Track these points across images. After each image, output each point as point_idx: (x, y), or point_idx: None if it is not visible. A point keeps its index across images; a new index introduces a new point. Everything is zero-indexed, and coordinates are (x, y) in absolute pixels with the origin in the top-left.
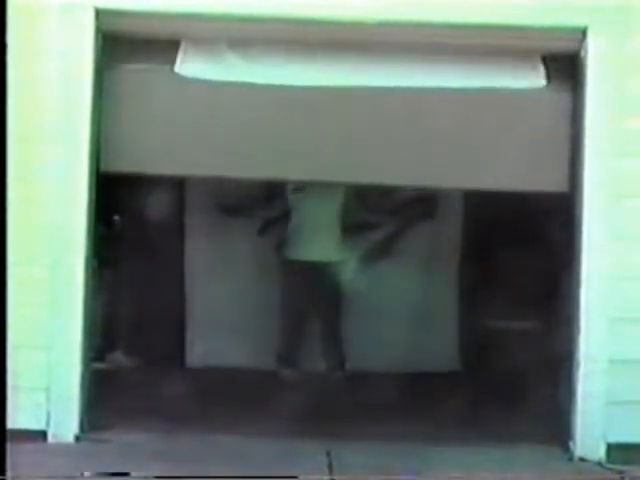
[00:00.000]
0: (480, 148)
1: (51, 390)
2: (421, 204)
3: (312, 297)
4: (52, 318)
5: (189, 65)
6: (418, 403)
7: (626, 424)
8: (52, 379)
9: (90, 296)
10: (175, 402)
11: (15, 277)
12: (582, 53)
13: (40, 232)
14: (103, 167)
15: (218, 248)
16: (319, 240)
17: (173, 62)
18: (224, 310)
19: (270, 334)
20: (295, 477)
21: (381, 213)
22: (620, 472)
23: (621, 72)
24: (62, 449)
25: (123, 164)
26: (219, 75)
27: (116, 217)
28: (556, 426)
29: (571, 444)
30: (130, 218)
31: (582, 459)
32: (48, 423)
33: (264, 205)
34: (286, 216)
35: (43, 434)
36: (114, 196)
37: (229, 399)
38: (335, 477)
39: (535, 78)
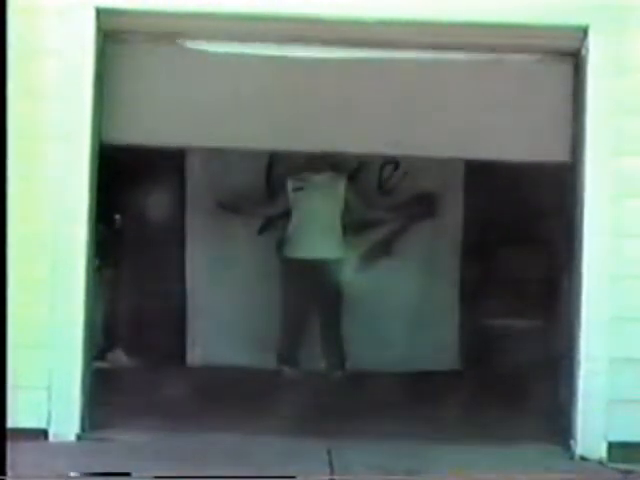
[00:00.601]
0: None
1: (52, 389)
2: (421, 202)
3: (312, 296)
4: (53, 317)
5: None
6: (418, 402)
7: (627, 423)
8: (53, 378)
9: (91, 295)
10: (176, 401)
11: (15, 277)
12: (583, 52)
13: (40, 231)
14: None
15: (218, 247)
16: (320, 238)
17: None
18: (225, 309)
19: (271, 333)
20: (295, 477)
21: (382, 211)
22: (629, 472)
23: (622, 71)
24: (63, 448)
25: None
26: (220, 48)
27: (117, 216)
28: (557, 425)
29: (572, 443)
30: (130, 218)
31: (583, 458)
32: (49, 422)
33: (265, 203)
34: (287, 215)
35: (44, 433)
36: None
37: (230, 398)
38: (336, 477)
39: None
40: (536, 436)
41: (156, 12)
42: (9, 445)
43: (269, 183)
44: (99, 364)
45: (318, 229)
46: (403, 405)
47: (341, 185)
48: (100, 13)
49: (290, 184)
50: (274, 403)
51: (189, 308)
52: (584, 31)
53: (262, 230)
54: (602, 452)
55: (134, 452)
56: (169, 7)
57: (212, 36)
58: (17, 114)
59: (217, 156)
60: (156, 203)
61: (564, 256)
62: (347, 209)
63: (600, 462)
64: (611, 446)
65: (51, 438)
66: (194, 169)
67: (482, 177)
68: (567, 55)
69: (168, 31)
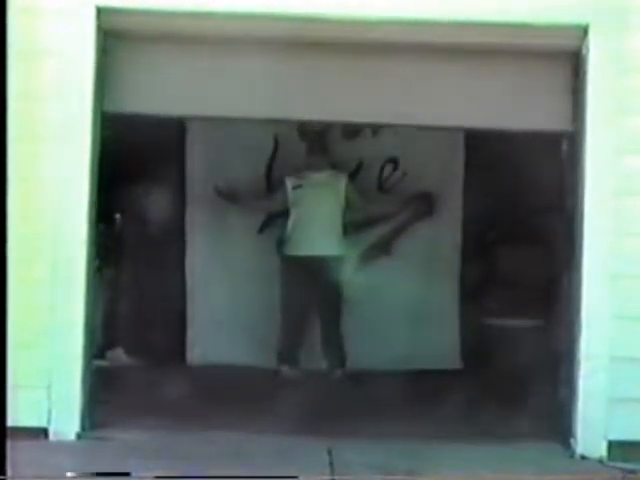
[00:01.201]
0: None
1: (52, 388)
2: (421, 200)
3: (312, 294)
4: (53, 317)
5: None
6: (419, 401)
7: (627, 422)
8: (53, 377)
9: (91, 295)
10: (176, 400)
11: (15, 277)
12: (583, 51)
13: (40, 231)
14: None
15: (219, 246)
16: (320, 236)
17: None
18: (225, 308)
19: (271, 332)
20: (295, 477)
21: (382, 209)
22: (632, 472)
23: (622, 70)
24: (63, 447)
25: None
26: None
27: (117, 215)
28: (557, 424)
29: (572, 442)
30: (130, 217)
31: (583, 457)
32: (49, 421)
33: (263, 197)
34: (286, 213)
35: (44, 432)
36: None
37: (230, 397)
38: (336, 476)
39: None
40: (536, 435)
41: (157, 11)
42: (9, 444)
43: (269, 178)
44: (99, 363)
45: (318, 227)
46: (403, 404)
47: (341, 183)
48: (101, 12)
49: (290, 182)
50: (274, 402)
51: (189, 307)
52: (584, 30)
53: (262, 229)
54: (602, 451)
55: (134, 451)
56: (170, 6)
57: (212, 36)
58: (17, 114)
59: (217, 156)
60: (156, 202)
61: (564, 255)
62: (347, 207)
63: (600, 461)
64: (611, 445)
65: (51, 437)
66: (194, 169)
67: (482, 177)
68: (567, 54)
69: (169, 30)
